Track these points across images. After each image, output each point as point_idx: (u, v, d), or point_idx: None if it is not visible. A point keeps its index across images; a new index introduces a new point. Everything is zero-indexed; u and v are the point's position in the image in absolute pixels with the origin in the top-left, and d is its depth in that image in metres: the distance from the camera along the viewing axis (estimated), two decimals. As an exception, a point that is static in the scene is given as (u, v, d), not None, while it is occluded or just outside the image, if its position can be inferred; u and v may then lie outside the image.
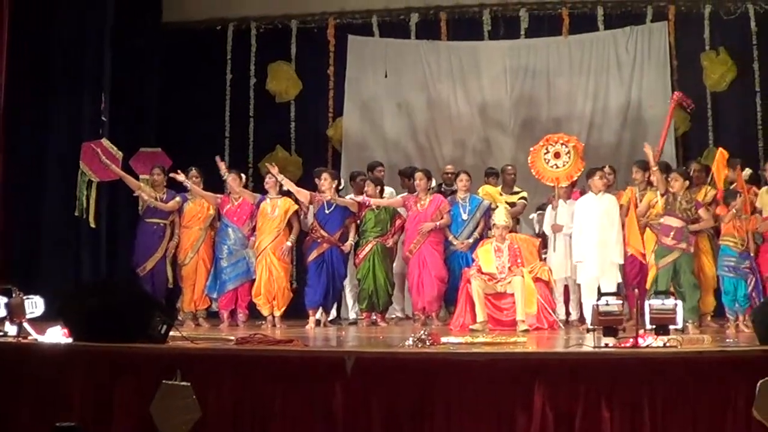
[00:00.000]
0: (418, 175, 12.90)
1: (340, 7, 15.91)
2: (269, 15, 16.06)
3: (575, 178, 12.82)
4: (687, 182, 11.33)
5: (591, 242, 11.99)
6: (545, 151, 12.73)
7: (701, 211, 11.22)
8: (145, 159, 13.69)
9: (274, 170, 12.68)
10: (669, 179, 11.34)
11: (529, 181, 13.41)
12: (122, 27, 14.46)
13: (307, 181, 13.65)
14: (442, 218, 12.67)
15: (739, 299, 11.13)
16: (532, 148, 12.98)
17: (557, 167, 12.64)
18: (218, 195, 13.01)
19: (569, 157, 12.60)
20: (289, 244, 12.61)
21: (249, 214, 12.81)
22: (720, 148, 12.13)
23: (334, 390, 7.70)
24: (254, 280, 12.65)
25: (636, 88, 14.97)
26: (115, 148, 13.09)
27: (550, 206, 12.75)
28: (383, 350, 8.81)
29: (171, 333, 8.67)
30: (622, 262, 12.05)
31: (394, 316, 13.37)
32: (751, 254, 11.21)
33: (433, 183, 13.16)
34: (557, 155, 12.65)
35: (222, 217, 12.91)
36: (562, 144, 12.70)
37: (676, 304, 8.25)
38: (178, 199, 12.92)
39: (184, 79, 15.59)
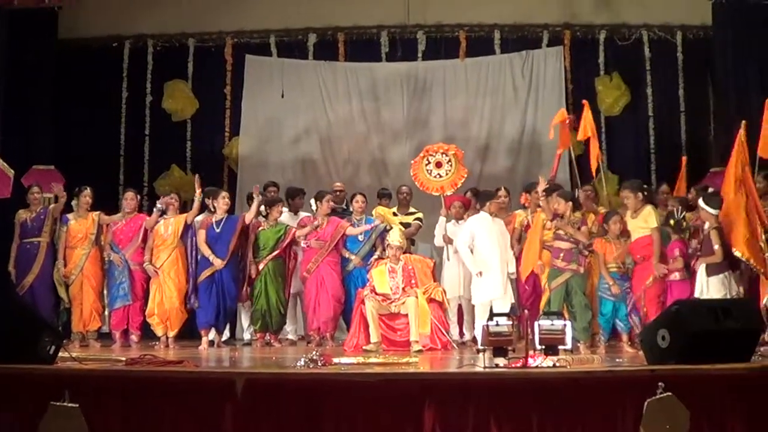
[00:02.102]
0: (327, 197, 12.93)
1: (238, 27, 15.86)
2: (166, 33, 15.95)
3: (459, 185, 12.97)
4: (570, 203, 11.41)
5: (489, 262, 12.06)
6: (426, 162, 12.93)
7: (582, 230, 11.32)
8: (38, 176, 13.44)
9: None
10: (552, 202, 11.46)
11: (425, 200, 13.47)
12: (16, 43, 14.25)
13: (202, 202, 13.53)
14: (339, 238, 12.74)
15: (621, 320, 11.29)
16: (413, 161, 13.10)
17: (440, 176, 12.84)
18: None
19: (451, 166, 12.80)
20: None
21: (134, 234, 12.69)
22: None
23: (224, 411, 7.63)
24: (141, 302, 12.59)
25: (531, 112, 15.21)
26: (7, 166, 12.86)
27: (441, 218, 12.83)
28: (273, 371, 8.75)
29: (60, 353, 8.53)
30: (514, 274, 12.18)
31: (288, 337, 13.28)
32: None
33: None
34: (439, 165, 12.85)
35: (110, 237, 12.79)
36: (442, 153, 12.87)
37: (565, 325, 8.36)
38: (62, 200, 12.76)
39: (79, 97, 15.37)
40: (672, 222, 11.23)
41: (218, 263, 12.30)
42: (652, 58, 15.46)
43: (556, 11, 15.55)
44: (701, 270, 10.76)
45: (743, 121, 11.23)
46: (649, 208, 11.20)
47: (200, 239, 12.45)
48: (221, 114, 15.79)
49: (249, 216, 12.57)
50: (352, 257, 12.73)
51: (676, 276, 11.06)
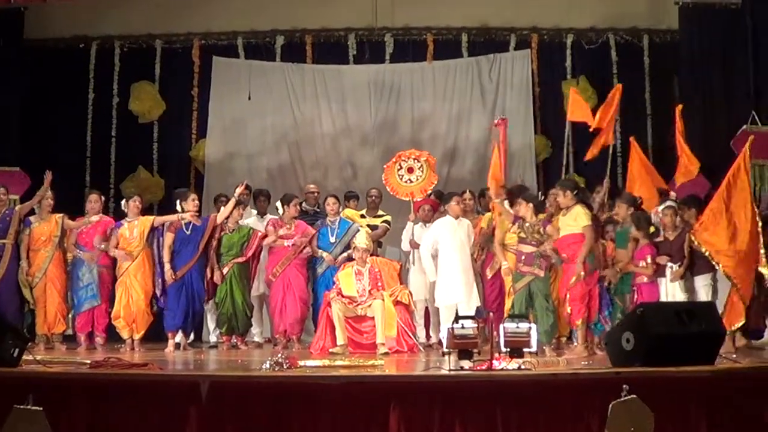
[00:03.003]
0: (293, 201, 12.90)
1: (206, 28, 15.85)
2: (133, 34, 15.91)
3: (429, 192, 12.99)
4: (531, 205, 11.40)
5: (451, 266, 12.07)
6: (398, 167, 12.97)
7: (548, 229, 11.34)
8: (4, 178, 13.35)
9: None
10: (516, 205, 11.47)
11: (394, 204, 13.50)
12: (-20, 43, 14.21)
13: (169, 203, 13.53)
14: (308, 242, 12.74)
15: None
16: (385, 166, 13.13)
17: (411, 182, 12.87)
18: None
19: (422, 171, 12.84)
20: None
21: (101, 235, 12.59)
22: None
23: (188, 414, 7.63)
24: (106, 305, 12.53)
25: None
26: (-27, 167, 12.80)
27: (409, 223, 12.85)
28: (238, 374, 8.75)
29: (24, 356, 8.48)
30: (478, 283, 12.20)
31: (254, 339, 13.26)
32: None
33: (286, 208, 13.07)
34: (410, 170, 12.87)
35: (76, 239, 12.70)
36: (414, 159, 12.90)
37: (530, 328, 8.36)
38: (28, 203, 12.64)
39: (46, 97, 15.34)
40: (651, 228, 11.37)
41: (169, 276, 12.29)
42: (618, 62, 15.55)
43: (523, 15, 15.60)
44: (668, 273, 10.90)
45: (751, 137, 11.39)
46: (578, 208, 11.10)
47: (166, 243, 12.41)
48: (188, 116, 15.79)
49: (221, 216, 12.54)
50: (325, 255, 12.69)
51: (644, 279, 11.13)
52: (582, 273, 10.85)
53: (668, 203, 12.15)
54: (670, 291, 11.16)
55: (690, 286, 11.21)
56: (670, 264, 11.15)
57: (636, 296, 11.19)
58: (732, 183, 10.87)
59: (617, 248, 11.50)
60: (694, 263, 11.15)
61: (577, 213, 11.05)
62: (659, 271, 11.19)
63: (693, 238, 11.00)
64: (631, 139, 13.34)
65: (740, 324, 10.75)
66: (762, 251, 10.70)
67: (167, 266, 12.29)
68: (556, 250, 11.20)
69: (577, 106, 13.08)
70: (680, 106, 12.92)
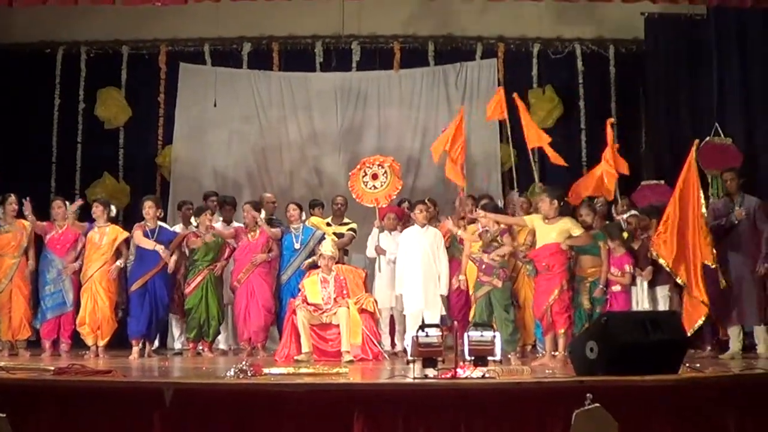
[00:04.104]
0: (246, 207, 12.92)
1: (173, 34, 15.80)
2: (100, 40, 15.83)
3: (394, 197, 13.06)
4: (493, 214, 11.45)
5: (415, 274, 12.13)
6: (363, 173, 12.97)
7: (505, 238, 11.39)
8: (-34, 183, 13.33)
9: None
10: (478, 215, 11.51)
11: (359, 211, 13.51)
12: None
13: (135, 210, 13.53)
14: (271, 251, 12.72)
15: None
16: (351, 173, 13.16)
17: (375, 188, 12.89)
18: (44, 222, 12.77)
19: (386, 177, 12.88)
20: (118, 264, 12.42)
21: (72, 243, 12.60)
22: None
23: (152, 421, 7.60)
24: (73, 311, 12.46)
25: (465, 123, 15.17)
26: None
27: (375, 229, 12.89)
28: (202, 381, 8.71)
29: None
30: (446, 293, 12.19)
31: (219, 346, 13.24)
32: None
33: (263, 214, 13.07)
34: (375, 177, 12.91)
35: (45, 245, 12.65)
36: (378, 165, 12.94)
37: (494, 336, 8.39)
38: None
39: (10, 102, 15.21)
40: (625, 234, 11.44)
41: (162, 250, 12.30)
42: (584, 71, 15.62)
43: (490, 24, 15.62)
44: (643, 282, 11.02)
45: (695, 140, 11.48)
46: (567, 221, 11.20)
47: (137, 236, 12.41)
48: (154, 122, 15.72)
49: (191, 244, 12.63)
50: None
51: (617, 287, 11.21)
52: (565, 283, 10.99)
53: (633, 212, 12.25)
54: (640, 300, 11.27)
55: (653, 296, 11.32)
56: (640, 273, 11.29)
57: (610, 305, 11.25)
58: (682, 186, 11.04)
59: (580, 255, 11.53)
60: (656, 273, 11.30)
61: (565, 226, 11.13)
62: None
63: (652, 249, 11.11)
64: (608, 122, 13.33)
65: (701, 320, 10.86)
66: (709, 247, 10.86)
67: (157, 246, 12.32)
68: (531, 260, 11.29)
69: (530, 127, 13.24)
70: (611, 120, 13.20)
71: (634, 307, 11.21)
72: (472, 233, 11.81)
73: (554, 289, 11.00)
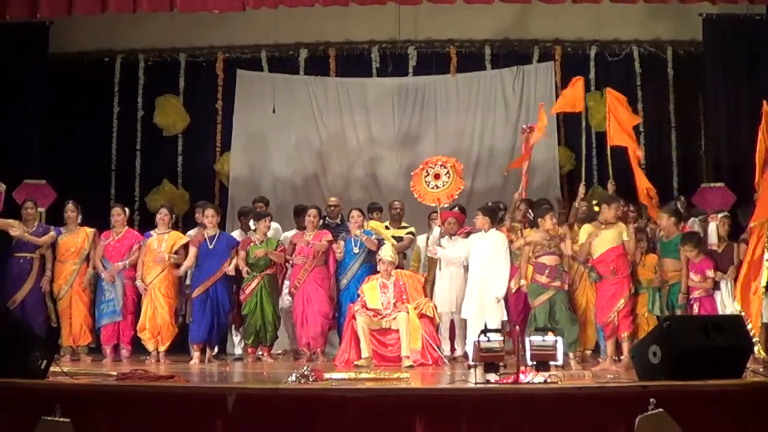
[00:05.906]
0: (312, 212, 12.92)
1: (230, 42, 15.86)
2: (157, 47, 15.94)
3: (456, 197, 13.00)
4: (554, 218, 11.39)
5: (473, 279, 12.09)
6: (426, 174, 12.95)
7: (562, 245, 11.36)
8: (29, 191, 13.44)
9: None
10: (539, 220, 11.45)
11: (417, 217, 13.50)
12: (7, 57, 14.31)
13: (192, 216, 13.64)
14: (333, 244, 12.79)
15: None
16: (413, 173, 13.14)
17: (438, 188, 12.84)
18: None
19: (449, 177, 12.83)
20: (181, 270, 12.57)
21: (127, 250, 12.69)
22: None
23: (215, 427, 7.66)
24: (131, 318, 12.61)
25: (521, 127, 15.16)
26: (-2, 180, 12.85)
27: (436, 228, 12.84)
28: (265, 386, 8.76)
29: (51, 368, 8.53)
30: (501, 295, 12.08)
31: (280, 351, 13.27)
32: None
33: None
34: (437, 176, 12.87)
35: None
36: (441, 165, 12.91)
37: (556, 341, 8.38)
38: (52, 233, 12.62)
39: (70, 111, 15.37)
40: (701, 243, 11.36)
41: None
42: (642, 74, 15.49)
43: (546, 27, 15.55)
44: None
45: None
46: (621, 224, 11.22)
47: (190, 256, 12.55)
48: (212, 129, 15.78)
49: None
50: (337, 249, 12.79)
51: (701, 293, 11.12)
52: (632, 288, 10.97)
53: (725, 213, 12.14)
54: (727, 304, 11.13)
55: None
56: (724, 277, 11.18)
57: (696, 310, 11.14)
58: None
59: (663, 258, 11.47)
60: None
61: (620, 229, 11.15)
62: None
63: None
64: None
65: None
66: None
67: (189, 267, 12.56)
68: (593, 267, 11.23)
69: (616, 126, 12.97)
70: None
71: (720, 312, 11.07)
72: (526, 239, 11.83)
73: (622, 295, 10.99)
